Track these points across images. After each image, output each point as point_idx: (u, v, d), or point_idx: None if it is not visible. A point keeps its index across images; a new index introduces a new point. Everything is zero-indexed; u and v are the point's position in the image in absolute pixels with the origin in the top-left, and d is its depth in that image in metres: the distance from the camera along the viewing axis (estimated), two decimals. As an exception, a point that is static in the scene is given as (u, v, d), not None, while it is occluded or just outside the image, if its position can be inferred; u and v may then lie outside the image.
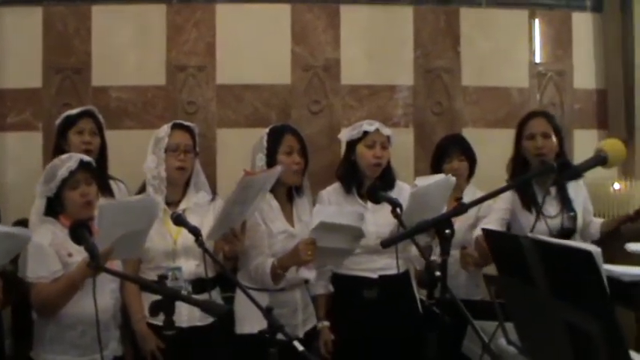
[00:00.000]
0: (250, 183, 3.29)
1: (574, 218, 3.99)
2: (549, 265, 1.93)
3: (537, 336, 2.27)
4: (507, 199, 3.94)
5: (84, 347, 3.34)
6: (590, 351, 1.80)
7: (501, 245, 2.37)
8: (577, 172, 2.97)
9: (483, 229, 2.52)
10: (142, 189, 3.74)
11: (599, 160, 2.67)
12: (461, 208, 2.38)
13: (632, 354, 2.41)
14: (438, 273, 2.59)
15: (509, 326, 2.59)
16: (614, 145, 2.70)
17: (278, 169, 3.56)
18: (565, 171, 2.82)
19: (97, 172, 3.62)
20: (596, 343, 1.76)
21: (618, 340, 1.71)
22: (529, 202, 3.95)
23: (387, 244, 2.46)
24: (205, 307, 2.39)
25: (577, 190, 4.08)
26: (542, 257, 1.95)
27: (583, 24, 5.87)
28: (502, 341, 2.68)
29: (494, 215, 3.97)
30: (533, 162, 3.99)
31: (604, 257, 1.72)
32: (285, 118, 5.29)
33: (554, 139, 4.01)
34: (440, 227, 2.34)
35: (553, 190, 4.00)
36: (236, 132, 5.26)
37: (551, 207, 3.97)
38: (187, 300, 2.50)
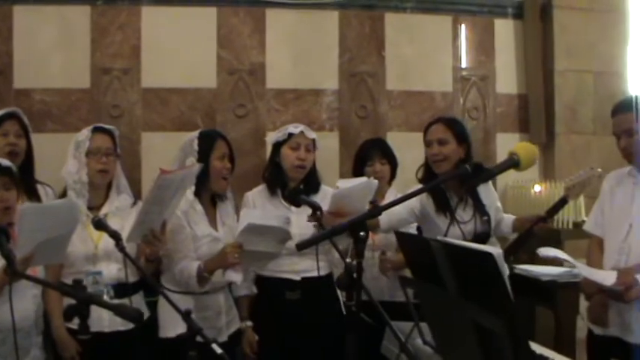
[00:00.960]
0: (167, 182, 3.24)
1: (488, 222, 4.00)
2: (456, 267, 1.98)
3: (449, 336, 2.33)
4: (418, 199, 3.93)
5: (4, 355, 3.27)
6: (496, 349, 1.85)
7: (412, 248, 2.42)
8: (491, 175, 3.05)
9: (396, 232, 2.57)
10: (64, 194, 3.69)
11: (512, 162, 2.74)
12: (375, 211, 2.42)
13: (534, 346, 2.50)
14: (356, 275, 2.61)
15: (426, 326, 2.64)
16: (526, 149, 2.78)
17: (196, 167, 3.54)
18: (479, 174, 2.87)
19: (21, 176, 3.56)
20: (501, 341, 1.81)
21: (520, 337, 1.77)
22: (443, 206, 3.96)
23: (303, 246, 2.47)
24: (119, 311, 2.39)
25: (487, 192, 4.10)
26: (450, 259, 2.00)
27: (505, 30, 6.02)
28: (419, 341, 2.73)
29: (408, 204, 3.94)
30: (433, 169, 3.98)
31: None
32: (211, 121, 5.31)
33: (453, 145, 3.94)
34: (354, 229, 2.36)
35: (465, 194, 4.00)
36: (161, 135, 5.24)
37: (464, 212, 3.97)
38: (101, 304, 2.49)
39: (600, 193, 3.74)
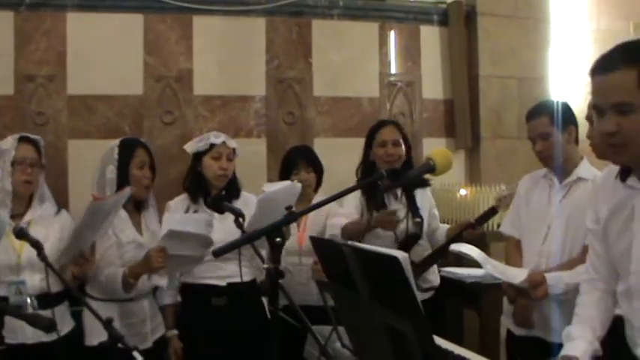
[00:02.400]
0: (98, 208, 3.30)
1: (420, 224, 4.18)
2: (367, 271, 2.02)
3: (363, 338, 2.37)
4: (354, 203, 4.06)
5: None
6: (406, 350, 1.89)
7: (326, 252, 2.45)
8: (407, 179, 3.13)
9: (311, 237, 2.61)
10: None
11: (428, 167, 2.81)
12: (291, 217, 2.44)
13: (452, 346, 2.56)
14: (280, 280, 2.63)
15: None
16: (441, 154, 2.85)
17: (127, 192, 3.55)
18: (396, 178, 2.93)
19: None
20: (411, 342, 1.85)
21: (427, 337, 1.82)
22: (376, 206, 4.08)
23: (219, 252, 2.49)
24: (31, 321, 2.38)
25: (423, 197, 4.29)
26: (361, 263, 2.03)
27: (430, 37, 6.13)
28: (338, 344, 2.76)
29: (353, 204, 4.12)
30: (382, 168, 4.10)
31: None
32: (138, 128, 5.27)
33: (403, 147, 4.23)
34: (271, 235, 2.39)
35: (401, 194, 4.21)
36: (88, 143, 5.14)
37: (398, 211, 4.09)
38: (13, 314, 2.47)
39: (515, 196, 3.83)
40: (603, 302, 2.49)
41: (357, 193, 4.12)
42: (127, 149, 3.84)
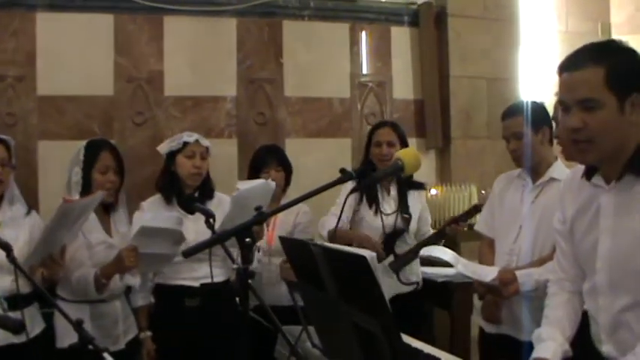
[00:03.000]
0: (69, 210, 3.27)
1: (407, 220, 4.35)
2: (335, 270, 2.04)
3: (332, 338, 2.39)
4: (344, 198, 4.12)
5: None
6: (375, 348, 1.91)
7: (295, 252, 2.47)
8: (376, 179, 3.17)
9: (280, 237, 2.62)
10: None
11: (397, 167, 2.84)
12: (260, 217, 2.44)
13: (410, 340, 2.59)
14: (250, 280, 2.63)
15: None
16: (409, 154, 2.87)
17: (99, 195, 3.53)
18: (365, 178, 2.96)
19: None
20: (379, 341, 1.87)
21: (395, 335, 1.84)
22: (372, 201, 4.34)
23: (188, 253, 2.49)
24: (-1, 322, 2.38)
25: (416, 199, 4.48)
26: (330, 263, 2.05)
27: (401, 38, 6.17)
28: (308, 344, 2.78)
29: (338, 210, 4.14)
30: (379, 166, 4.31)
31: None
32: (108, 130, 5.23)
33: (398, 147, 4.31)
34: (240, 236, 2.39)
35: (394, 191, 4.45)
36: (58, 144, 5.09)
37: (388, 205, 4.41)
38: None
39: (490, 195, 3.87)
40: (571, 303, 2.53)
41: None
42: (92, 152, 3.79)
